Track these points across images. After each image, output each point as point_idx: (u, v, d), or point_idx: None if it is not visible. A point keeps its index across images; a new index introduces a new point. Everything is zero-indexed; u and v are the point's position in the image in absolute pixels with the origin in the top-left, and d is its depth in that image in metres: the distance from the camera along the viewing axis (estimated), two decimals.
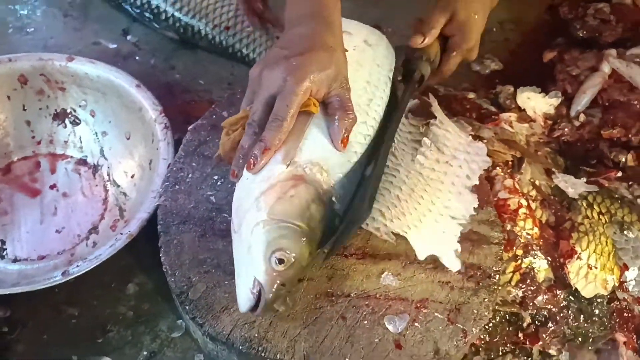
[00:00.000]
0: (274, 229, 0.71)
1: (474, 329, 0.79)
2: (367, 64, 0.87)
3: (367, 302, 0.79)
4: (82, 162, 1.06)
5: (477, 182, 0.91)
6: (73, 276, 0.82)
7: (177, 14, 1.19)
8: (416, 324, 0.78)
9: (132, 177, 1.02)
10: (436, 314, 0.79)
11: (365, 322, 0.77)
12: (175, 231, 0.83)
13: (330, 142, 0.77)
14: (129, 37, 1.25)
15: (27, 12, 1.26)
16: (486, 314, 0.81)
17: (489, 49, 1.34)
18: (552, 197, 1.01)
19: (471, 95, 1.18)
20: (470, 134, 0.99)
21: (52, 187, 1.03)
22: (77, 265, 0.82)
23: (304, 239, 0.72)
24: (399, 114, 0.89)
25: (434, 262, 0.84)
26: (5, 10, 1.26)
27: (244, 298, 0.71)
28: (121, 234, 0.86)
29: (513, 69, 1.32)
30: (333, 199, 0.75)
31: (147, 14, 1.21)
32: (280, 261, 0.69)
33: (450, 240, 0.84)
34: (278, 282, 0.70)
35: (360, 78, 0.85)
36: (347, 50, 0.83)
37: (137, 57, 1.22)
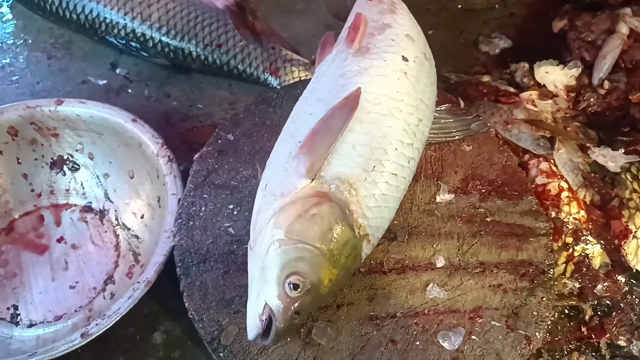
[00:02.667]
0: (290, 250, 0.64)
1: (537, 333, 0.71)
2: (423, 79, 0.79)
3: (415, 321, 0.72)
4: (87, 209, 1.00)
5: None
6: (93, 336, 0.75)
7: (165, 38, 1.13)
8: (473, 337, 0.71)
9: (141, 217, 0.96)
10: (493, 323, 0.72)
11: (418, 342, 0.70)
12: (196, 272, 0.76)
13: (363, 159, 0.69)
14: (118, 71, 1.19)
15: (10, 60, 1.20)
16: (547, 314, 0.73)
17: (495, 27, 1.28)
18: (592, 175, 0.93)
19: (486, 79, 1.11)
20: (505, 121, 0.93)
21: (60, 240, 0.96)
22: (97, 324, 0.76)
23: (324, 264, 0.65)
24: None
25: (482, 266, 0.77)
26: None
27: (252, 324, 0.65)
28: (138, 282, 0.79)
29: (523, 44, 1.25)
30: (361, 221, 0.67)
31: (133, 44, 1.15)
32: (295, 286, 0.63)
33: None
34: (292, 309, 0.64)
35: (416, 93, 0.76)
36: (407, 60, 0.77)
37: (129, 90, 1.16)
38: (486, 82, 1.09)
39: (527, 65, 1.13)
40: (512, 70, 1.13)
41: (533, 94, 1.05)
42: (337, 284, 0.67)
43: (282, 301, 0.63)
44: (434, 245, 0.78)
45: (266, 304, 0.64)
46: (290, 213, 0.65)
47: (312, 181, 0.66)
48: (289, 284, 0.63)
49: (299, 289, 0.63)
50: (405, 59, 0.77)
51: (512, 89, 1.07)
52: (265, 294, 0.64)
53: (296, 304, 0.64)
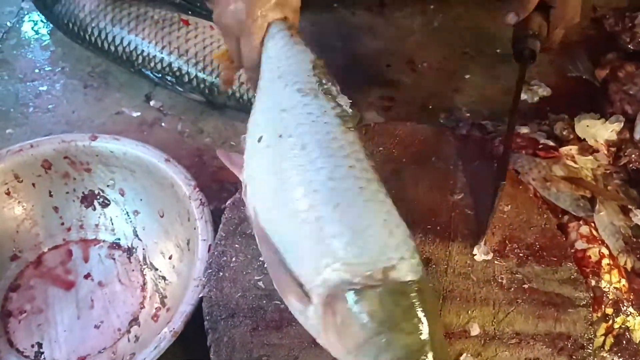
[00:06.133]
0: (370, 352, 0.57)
1: None
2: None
3: None
4: (116, 245, 0.99)
5: None
6: None
7: (200, 74, 1.13)
8: None
9: (169, 258, 0.95)
10: None
11: None
12: (224, 326, 0.75)
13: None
14: (152, 103, 1.19)
15: (47, 88, 1.21)
16: None
17: (534, 73, 1.25)
18: (633, 239, 0.90)
19: (524, 130, 1.08)
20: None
21: (87, 276, 0.96)
22: None
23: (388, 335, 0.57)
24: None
25: (517, 336, 0.74)
26: (24, 88, 1.21)
27: None
28: (165, 331, 0.78)
29: (563, 93, 1.22)
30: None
31: (169, 78, 1.15)
32: None
33: None
34: None
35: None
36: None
37: (163, 124, 1.16)
38: (525, 134, 1.07)
39: (566, 117, 1.11)
40: (551, 122, 1.11)
41: (573, 148, 1.02)
42: None
43: None
44: (469, 312, 0.76)
45: None
46: (332, 340, 0.60)
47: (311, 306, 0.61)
48: None
49: None
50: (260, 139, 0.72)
51: (551, 143, 1.04)
52: None
53: None
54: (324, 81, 0.72)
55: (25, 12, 1.35)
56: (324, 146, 0.65)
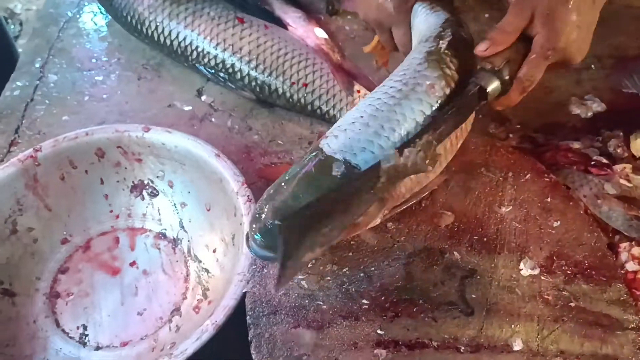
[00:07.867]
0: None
1: None
2: None
3: None
4: (161, 236, 1.01)
5: None
6: None
7: (253, 72, 1.14)
8: None
9: (213, 251, 0.96)
10: None
11: None
12: (266, 323, 0.75)
13: None
14: (203, 98, 1.21)
15: (102, 78, 1.24)
16: None
17: (589, 88, 1.23)
18: None
19: (576, 146, 1.06)
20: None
21: (132, 264, 0.98)
22: None
23: None
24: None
25: (562, 355, 0.73)
26: (81, 77, 1.24)
27: None
28: (207, 323, 0.79)
29: (618, 109, 1.19)
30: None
31: (221, 74, 1.16)
32: None
33: None
34: None
35: None
36: None
37: (213, 119, 1.17)
38: (576, 149, 1.05)
39: (621, 134, 1.08)
40: (604, 138, 1.08)
41: (627, 167, 1.00)
42: None
43: None
44: (512, 326, 0.75)
45: None
46: None
47: None
48: None
49: None
50: None
51: (604, 160, 1.02)
52: None
53: None
54: (443, 31, 0.83)
55: (86, 3, 1.39)
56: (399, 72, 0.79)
